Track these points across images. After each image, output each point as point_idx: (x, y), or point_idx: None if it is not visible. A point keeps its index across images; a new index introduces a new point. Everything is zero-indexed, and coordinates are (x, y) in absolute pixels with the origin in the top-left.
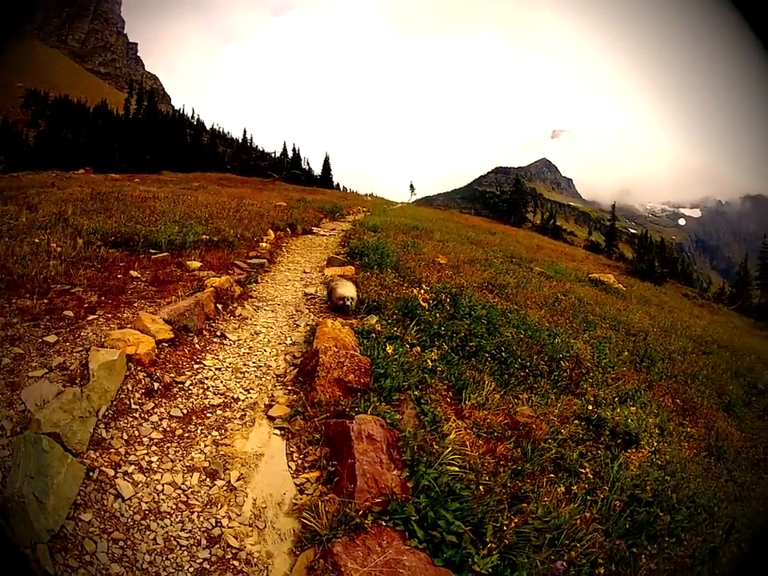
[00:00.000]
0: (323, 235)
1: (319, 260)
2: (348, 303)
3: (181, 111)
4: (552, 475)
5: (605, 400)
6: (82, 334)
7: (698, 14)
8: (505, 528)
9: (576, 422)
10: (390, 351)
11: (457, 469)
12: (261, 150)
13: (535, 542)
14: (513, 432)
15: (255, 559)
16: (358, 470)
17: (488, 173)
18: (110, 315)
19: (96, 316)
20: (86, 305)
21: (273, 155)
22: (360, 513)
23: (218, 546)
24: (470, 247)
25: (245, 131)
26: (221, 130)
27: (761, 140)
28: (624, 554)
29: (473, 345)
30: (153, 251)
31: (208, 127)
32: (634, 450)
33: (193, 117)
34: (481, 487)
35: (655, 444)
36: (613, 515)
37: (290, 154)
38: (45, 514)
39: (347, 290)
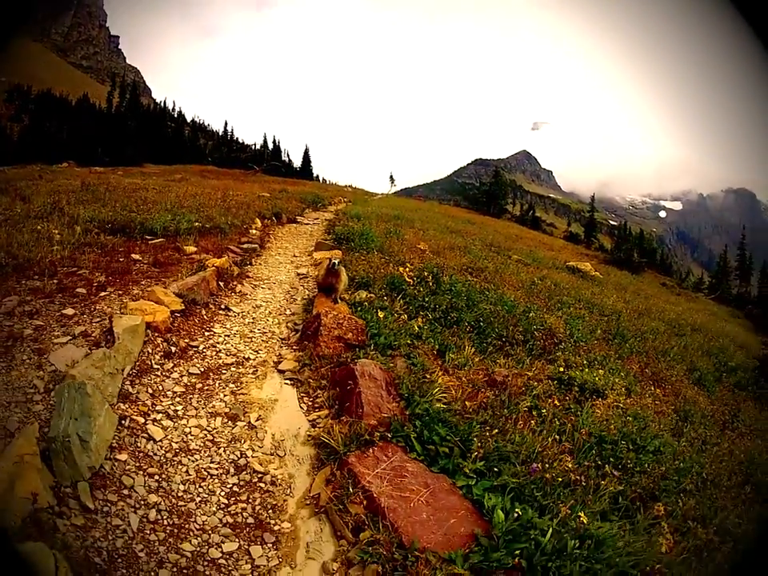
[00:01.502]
0: (307, 224)
1: (306, 246)
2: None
3: (162, 104)
4: (526, 415)
5: (575, 364)
6: (97, 307)
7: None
8: (489, 440)
9: (548, 381)
10: (381, 316)
11: (443, 405)
12: (241, 142)
13: (514, 459)
14: (491, 388)
15: (279, 480)
16: (364, 398)
17: (468, 164)
18: (120, 292)
19: (107, 292)
20: (96, 284)
21: (253, 147)
22: (368, 432)
23: (244, 472)
24: (450, 235)
25: (225, 123)
26: (201, 122)
27: (745, 134)
28: (591, 474)
29: (454, 316)
30: (149, 237)
31: (189, 120)
32: (600, 401)
33: (173, 109)
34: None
35: (621, 398)
36: (582, 448)
37: (270, 146)
38: (87, 452)
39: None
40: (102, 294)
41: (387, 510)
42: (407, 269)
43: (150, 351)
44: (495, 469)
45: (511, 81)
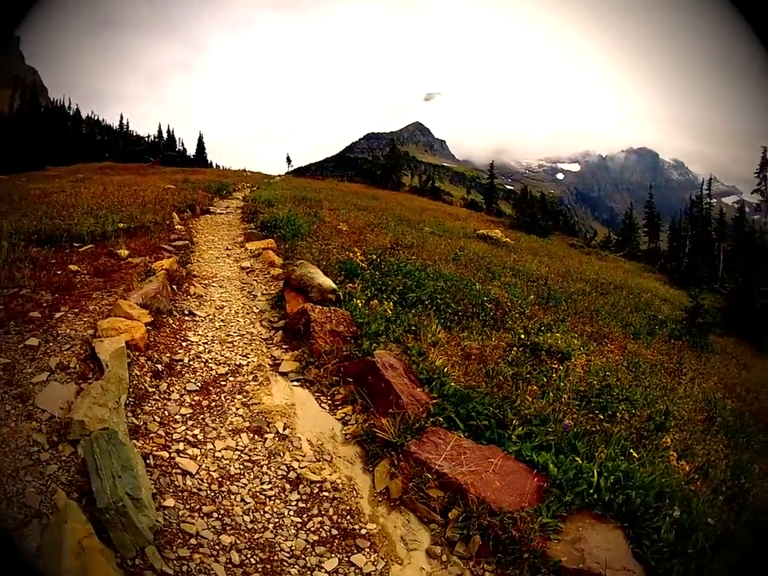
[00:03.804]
0: (221, 213)
1: (232, 236)
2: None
3: (59, 103)
4: (516, 383)
5: (532, 330)
6: (59, 332)
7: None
8: (520, 409)
9: (515, 348)
10: (359, 304)
11: (455, 383)
12: (136, 135)
13: (535, 421)
14: (469, 360)
15: (340, 485)
16: (397, 389)
17: (359, 139)
18: (77, 310)
19: (63, 313)
20: (45, 304)
21: (147, 139)
22: (417, 419)
23: (302, 485)
24: (360, 213)
25: (121, 117)
26: (96, 117)
27: (641, 95)
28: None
29: (412, 296)
30: (77, 244)
31: (84, 117)
32: (571, 362)
33: (69, 108)
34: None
35: (584, 357)
36: (578, 404)
37: (165, 136)
38: (143, 509)
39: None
40: (57, 314)
41: (469, 485)
42: (358, 253)
43: (139, 374)
44: (529, 428)
45: (402, 54)
